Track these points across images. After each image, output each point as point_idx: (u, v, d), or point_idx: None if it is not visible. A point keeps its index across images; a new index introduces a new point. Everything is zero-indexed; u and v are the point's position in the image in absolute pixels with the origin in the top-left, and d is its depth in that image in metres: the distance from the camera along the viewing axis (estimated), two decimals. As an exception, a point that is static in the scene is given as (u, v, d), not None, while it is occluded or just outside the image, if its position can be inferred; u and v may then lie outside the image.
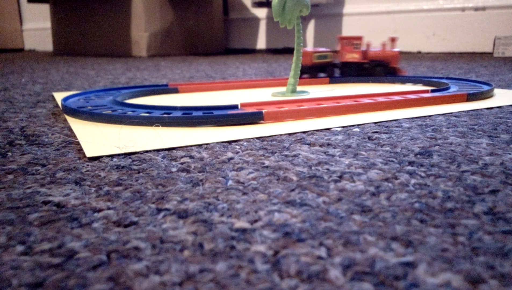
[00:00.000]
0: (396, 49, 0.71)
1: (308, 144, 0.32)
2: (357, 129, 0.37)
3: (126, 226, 0.19)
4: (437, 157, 0.28)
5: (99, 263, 0.16)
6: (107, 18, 1.75)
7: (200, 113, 0.40)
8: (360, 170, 0.26)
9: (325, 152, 0.30)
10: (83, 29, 1.87)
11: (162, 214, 0.20)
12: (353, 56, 0.72)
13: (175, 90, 0.63)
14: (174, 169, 0.27)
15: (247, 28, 2.06)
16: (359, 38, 0.71)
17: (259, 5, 1.86)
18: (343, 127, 0.38)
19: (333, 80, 0.73)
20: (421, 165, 0.27)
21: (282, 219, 0.19)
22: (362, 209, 0.20)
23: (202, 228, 0.19)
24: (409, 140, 0.33)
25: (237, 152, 0.30)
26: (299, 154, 0.29)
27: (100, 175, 0.26)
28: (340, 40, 0.72)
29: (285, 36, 1.95)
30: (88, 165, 0.28)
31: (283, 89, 0.65)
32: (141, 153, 0.30)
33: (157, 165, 0.27)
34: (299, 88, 0.63)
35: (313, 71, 0.73)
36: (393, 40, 0.72)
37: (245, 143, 0.33)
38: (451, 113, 0.43)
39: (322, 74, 0.74)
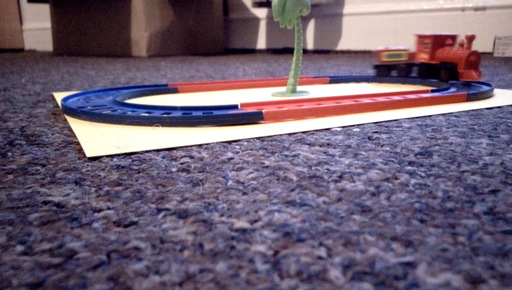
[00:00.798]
0: (470, 50, 0.60)
1: (308, 144, 0.32)
2: (357, 129, 0.37)
3: (126, 226, 0.19)
4: (437, 157, 0.28)
5: (99, 263, 0.16)
6: (107, 18, 1.75)
7: (200, 113, 0.40)
8: (360, 170, 0.26)
9: (325, 152, 0.30)
10: (83, 29, 1.87)
11: (162, 214, 0.20)
12: (422, 56, 0.67)
13: (175, 90, 0.63)
14: (174, 169, 0.27)
15: (247, 28, 2.06)
16: (429, 37, 0.64)
17: (259, 5, 1.86)
18: (343, 127, 0.38)
19: (333, 80, 0.73)
20: (421, 165, 0.27)
21: (282, 219, 0.19)
22: (362, 209, 0.20)
23: (202, 228, 0.19)
24: (409, 140, 0.33)
25: (237, 152, 0.30)
26: (299, 154, 0.29)
27: (100, 175, 0.26)
28: (417, 38, 0.67)
29: (285, 36, 1.95)
30: (88, 165, 0.28)
31: (283, 89, 0.65)
32: (141, 153, 0.30)
33: (157, 165, 0.27)
34: (299, 88, 0.63)
35: (383, 69, 0.71)
36: (470, 39, 0.61)
37: (245, 143, 0.33)
38: (451, 113, 0.43)
39: (393, 73, 0.71)
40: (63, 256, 0.17)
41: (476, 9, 1.46)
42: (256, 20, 2.02)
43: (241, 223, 0.19)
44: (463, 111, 0.44)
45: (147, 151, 0.31)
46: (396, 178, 0.24)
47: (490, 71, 0.87)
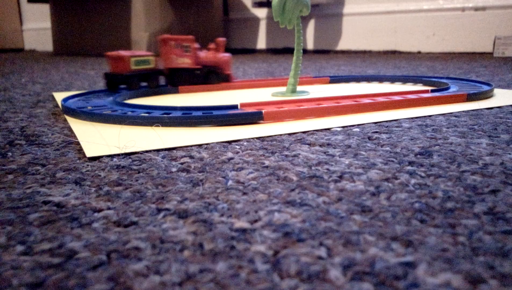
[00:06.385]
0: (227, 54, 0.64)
1: (308, 144, 0.32)
2: (357, 129, 0.37)
3: (126, 226, 0.19)
4: (437, 157, 0.28)
5: (99, 263, 0.16)
6: (107, 18, 1.75)
7: (199, 113, 0.40)
8: (360, 170, 0.26)
9: (325, 152, 0.30)
10: (83, 29, 1.87)
11: (162, 214, 0.20)
12: (183, 61, 0.61)
13: (175, 90, 0.63)
14: (174, 169, 0.27)
15: (247, 28, 2.06)
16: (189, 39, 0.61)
17: (259, 5, 1.86)
18: (343, 127, 0.38)
19: (333, 79, 0.73)
20: (421, 165, 0.26)
21: (282, 219, 0.19)
22: (362, 209, 0.20)
23: (202, 228, 0.19)
24: (409, 140, 0.33)
25: (237, 152, 0.30)
26: (299, 154, 0.29)
27: (100, 175, 0.26)
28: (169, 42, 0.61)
29: (285, 36, 1.95)
30: (88, 165, 0.28)
31: (283, 89, 0.65)
32: (141, 153, 0.30)
33: (157, 165, 0.27)
34: (299, 88, 0.63)
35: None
36: (222, 43, 0.64)
37: (245, 143, 0.33)
38: (451, 113, 0.43)
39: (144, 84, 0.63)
40: (63, 256, 0.17)
41: (476, 9, 1.46)
42: (256, 20, 2.02)
43: (241, 223, 0.19)
44: (463, 111, 0.44)
45: (147, 151, 0.31)
46: (396, 178, 0.24)
47: (490, 71, 0.87)
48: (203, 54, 0.64)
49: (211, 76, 0.64)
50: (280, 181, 0.24)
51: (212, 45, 0.65)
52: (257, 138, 0.34)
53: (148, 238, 0.18)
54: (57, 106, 0.52)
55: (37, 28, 2.76)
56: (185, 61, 0.61)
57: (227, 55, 0.65)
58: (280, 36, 1.96)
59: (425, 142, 0.32)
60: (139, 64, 0.58)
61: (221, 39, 0.65)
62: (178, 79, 0.62)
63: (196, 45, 0.62)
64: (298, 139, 0.33)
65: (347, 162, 0.27)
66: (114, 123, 0.39)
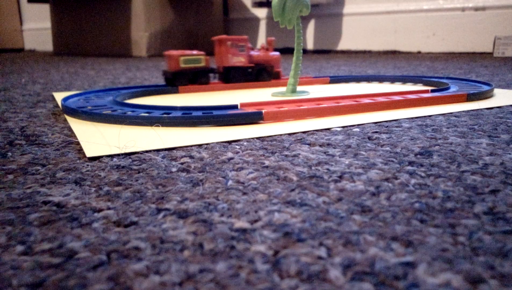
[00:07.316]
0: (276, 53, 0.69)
1: (308, 144, 0.32)
2: (357, 129, 0.37)
3: (126, 226, 0.19)
4: (437, 157, 0.28)
5: (99, 263, 0.16)
6: (107, 18, 1.75)
7: (199, 113, 0.40)
8: (360, 170, 0.26)
9: (325, 152, 0.30)
10: (83, 29, 1.87)
11: (162, 214, 0.20)
12: (238, 60, 0.65)
13: (175, 90, 0.63)
14: (174, 169, 0.27)
15: (247, 28, 2.06)
16: (244, 40, 0.65)
17: (259, 5, 1.86)
18: (343, 127, 0.38)
19: (333, 79, 0.73)
20: (421, 165, 0.26)
21: (282, 219, 0.19)
22: (362, 209, 0.20)
23: (202, 228, 0.19)
24: (409, 140, 0.33)
25: (237, 152, 0.30)
26: (299, 154, 0.29)
27: (100, 175, 0.26)
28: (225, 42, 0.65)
29: (285, 36, 1.95)
30: (88, 165, 0.28)
31: (283, 89, 0.65)
32: (141, 153, 0.30)
33: (157, 165, 0.27)
34: (299, 88, 0.63)
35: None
36: (272, 42, 0.68)
37: (245, 143, 0.33)
38: (451, 113, 0.43)
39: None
40: (63, 256, 0.17)
41: (476, 9, 1.46)
42: (256, 20, 2.02)
43: (241, 223, 0.19)
44: (463, 111, 0.44)
45: (147, 151, 0.31)
46: (396, 178, 0.24)
47: (490, 71, 0.87)
48: (255, 53, 0.68)
49: (262, 74, 0.68)
50: (280, 181, 0.24)
51: (263, 44, 0.69)
52: (257, 138, 0.34)
53: (148, 238, 0.18)
54: (57, 106, 0.52)
55: (37, 28, 2.76)
56: (240, 60, 0.66)
57: (277, 53, 0.69)
58: (280, 36, 1.96)
59: (425, 142, 0.32)
60: (188, 63, 0.63)
61: (272, 39, 0.69)
62: (232, 77, 0.66)
63: (250, 45, 0.67)
64: (298, 139, 0.33)
65: (347, 162, 0.27)
66: (114, 123, 0.39)
